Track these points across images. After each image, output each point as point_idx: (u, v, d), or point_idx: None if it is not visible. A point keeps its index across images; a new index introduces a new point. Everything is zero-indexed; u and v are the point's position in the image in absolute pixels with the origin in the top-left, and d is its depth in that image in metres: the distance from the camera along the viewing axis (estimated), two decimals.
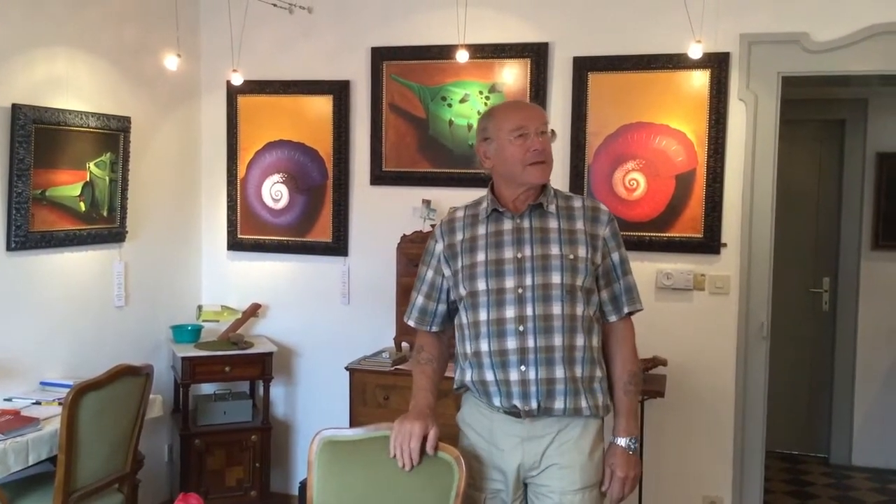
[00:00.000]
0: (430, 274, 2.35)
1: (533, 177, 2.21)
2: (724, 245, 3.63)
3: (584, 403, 2.17)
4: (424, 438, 2.16)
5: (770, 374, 3.69)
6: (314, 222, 4.23)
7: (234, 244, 4.36)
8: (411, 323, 2.40)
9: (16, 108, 3.27)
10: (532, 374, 2.14)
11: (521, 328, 2.15)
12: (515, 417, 2.20)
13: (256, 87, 4.22)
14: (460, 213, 2.34)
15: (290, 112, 4.24)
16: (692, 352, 3.66)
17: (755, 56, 3.57)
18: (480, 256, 2.23)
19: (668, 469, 3.72)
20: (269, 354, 4.02)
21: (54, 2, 3.47)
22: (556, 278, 2.15)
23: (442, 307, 2.34)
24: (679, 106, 3.64)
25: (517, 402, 2.16)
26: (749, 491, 3.68)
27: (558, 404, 2.16)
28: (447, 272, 2.30)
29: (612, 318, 2.27)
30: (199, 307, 4.28)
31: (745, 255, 3.62)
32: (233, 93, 4.29)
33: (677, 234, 3.65)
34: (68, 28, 3.54)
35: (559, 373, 2.14)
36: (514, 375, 2.15)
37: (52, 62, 3.48)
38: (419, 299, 2.37)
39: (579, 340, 2.15)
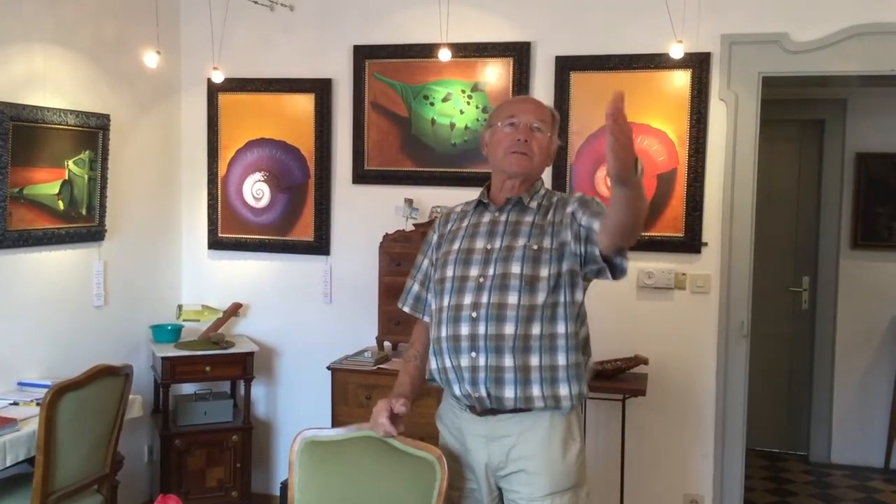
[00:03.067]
0: (424, 263, 2.42)
1: (510, 164, 2.25)
2: (705, 244, 3.65)
3: (535, 393, 2.14)
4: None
5: (750, 372, 3.72)
6: (296, 221, 4.21)
7: (215, 243, 4.33)
8: (406, 308, 2.45)
9: None
10: (481, 361, 2.14)
11: (474, 314, 2.16)
12: (476, 415, 2.21)
13: (237, 84, 4.19)
14: (458, 207, 2.42)
15: (272, 110, 4.22)
16: (673, 350, 3.68)
17: (736, 56, 3.59)
18: (455, 245, 2.29)
19: (648, 467, 3.74)
20: (251, 354, 4.00)
21: None
22: (515, 268, 2.16)
23: (432, 296, 2.35)
24: (660, 106, 3.66)
25: (469, 389, 2.17)
26: (730, 489, 3.71)
27: (507, 393, 2.14)
28: (433, 260, 2.36)
29: (597, 225, 2.11)
30: (180, 307, 4.24)
31: (725, 254, 3.64)
32: (213, 90, 4.26)
33: (658, 234, 3.66)
34: (45, 24, 3.50)
35: (508, 361, 2.13)
36: (465, 361, 2.17)
37: (29, 58, 3.43)
38: (414, 286, 2.43)
39: (535, 329, 2.13)
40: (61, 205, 3.59)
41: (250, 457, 3.99)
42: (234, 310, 4.18)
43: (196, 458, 3.86)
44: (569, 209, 2.20)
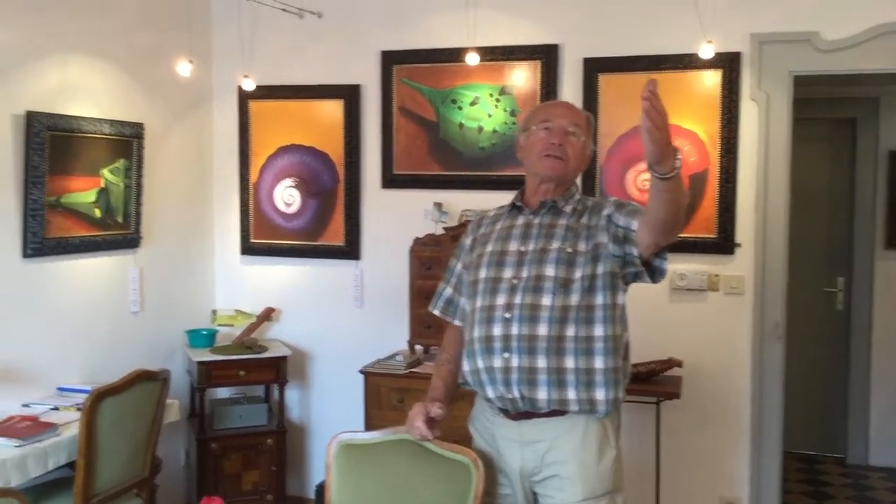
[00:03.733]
0: (457, 266, 2.43)
1: (544, 168, 2.26)
2: (738, 245, 3.62)
3: (570, 396, 2.13)
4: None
5: (785, 374, 3.68)
6: (326, 226, 4.24)
7: (247, 249, 4.38)
8: (436, 311, 2.47)
9: (30, 116, 3.29)
10: (514, 362, 2.14)
11: (507, 315, 2.16)
12: (510, 418, 2.20)
13: (267, 92, 4.23)
14: (492, 211, 2.43)
15: (301, 116, 4.26)
16: (707, 353, 3.65)
17: (766, 56, 3.56)
18: (489, 248, 2.30)
19: (684, 470, 3.71)
20: (284, 358, 4.03)
21: (67, 9, 3.49)
22: (549, 271, 2.16)
23: (465, 299, 2.36)
24: (690, 106, 3.64)
25: (502, 390, 2.16)
26: (766, 492, 3.67)
27: (541, 395, 2.13)
28: (466, 263, 2.37)
29: (635, 224, 2.10)
30: (214, 311, 4.30)
31: (759, 255, 3.61)
32: (244, 98, 4.31)
33: (691, 235, 3.64)
34: (80, 35, 3.56)
35: (541, 362, 2.13)
36: (498, 362, 2.16)
37: (64, 69, 3.50)
38: (446, 290, 2.45)
39: (570, 331, 2.12)
40: (98, 212, 3.65)
41: (285, 460, 4.02)
42: (267, 314, 4.22)
43: (232, 462, 3.90)
44: (605, 212, 2.20)
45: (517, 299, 2.17)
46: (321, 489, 3.65)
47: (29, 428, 2.92)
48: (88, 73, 3.62)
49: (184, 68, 3.70)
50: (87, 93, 3.60)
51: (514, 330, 2.15)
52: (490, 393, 2.21)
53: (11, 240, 3.28)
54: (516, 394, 2.16)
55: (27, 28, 3.28)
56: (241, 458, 3.91)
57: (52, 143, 3.38)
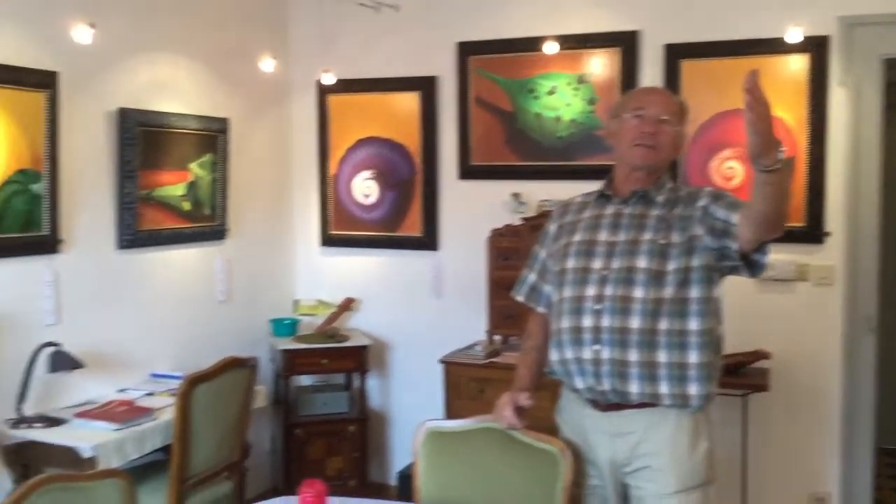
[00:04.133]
0: (542, 253, 2.42)
1: (635, 157, 2.22)
2: (828, 234, 3.51)
3: (663, 390, 2.10)
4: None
5: (877, 367, 3.56)
6: (404, 217, 4.29)
7: (327, 240, 4.46)
8: (520, 298, 2.46)
9: (123, 112, 3.42)
10: (605, 354, 2.12)
11: (597, 307, 2.14)
12: (599, 410, 2.19)
13: (345, 85, 4.29)
14: (578, 198, 2.40)
15: (379, 109, 4.31)
16: (796, 344, 3.55)
17: (855, 39, 3.44)
18: (576, 237, 2.27)
19: (772, 465, 3.63)
20: (365, 348, 4.10)
21: (156, 10, 3.61)
22: (641, 262, 2.13)
23: (550, 287, 2.36)
24: (776, 92, 3.53)
25: (592, 382, 2.15)
26: (858, 487, 3.56)
27: (632, 388, 2.11)
28: (551, 251, 2.36)
29: (735, 217, 2.05)
30: (296, 301, 4.40)
31: (850, 245, 3.50)
32: (323, 92, 4.38)
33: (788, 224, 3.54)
34: (168, 34, 3.68)
35: (633, 355, 2.10)
36: (587, 354, 2.15)
37: (154, 67, 3.62)
38: (531, 276, 2.44)
39: (662, 324, 2.09)
40: (187, 205, 3.77)
41: (367, 447, 4.10)
42: (347, 304, 4.29)
43: (316, 448, 3.99)
44: (700, 203, 2.15)
45: (607, 291, 2.14)
46: (404, 476, 3.71)
47: (126, 412, 3.05)
48: (176, 71, 3.74)
49: (267, 64, 3.79)
50: (174, 90, 3.72)
51: (605, 322, 2.13)
52: (579, 384, 2.20)
53: (107, 232, 3.42)
54: (606, 386, 2.14)
55: (119, 29, 3.41)
56: (324, 444, 4.00)
57: (143, 139, 3.50)
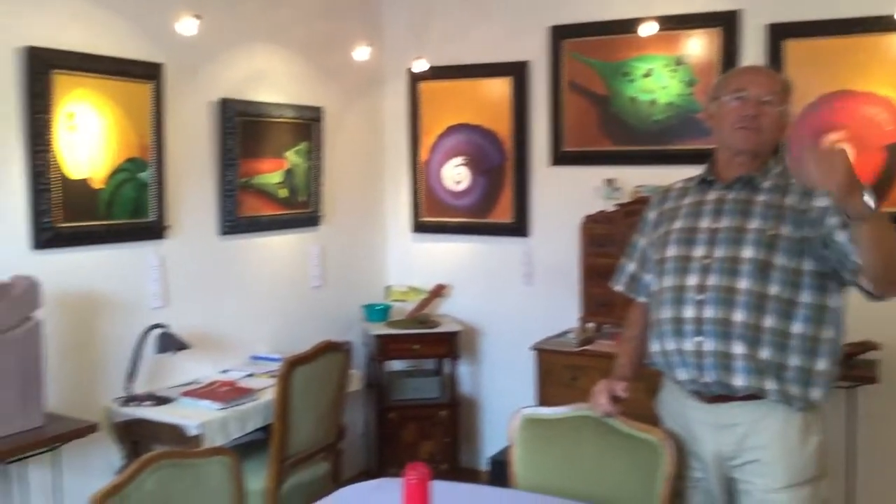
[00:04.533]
0: (641, 241, 2.36)
1: (736, 140, 2.13)
2: None
3: (768, 386, 2.02)
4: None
5: None
6: (495, 203, 4.28)
7: (418, 226, 4.49)
8: (620, 288, 2.42)
9: (224, 102, 3.52)
10: (707, 346, 2.05)
11: (699, 297, 2.07)
12: (703, 402, 2.12)
13: (436, 72, 4.30)
14: (678, 184, 2.33)
15: (470, 95, 4.31)
16: None
17: None
18: (677, 224, 2.20)
19: (881, 459, 3.47)
20: (456, 334, 4.12)
21: (254, 2, 3.69)
22: (746, 252, 2.04)
23: (650, 276, 2.31)
24: (886, 72, 3.37)
25: (694, 374, 2.09)
26: None
27: (737, 381, 2.04)
28: (651, 239, 2.30)
29: (854, 256, 1.93)
30: (388, 287, 4.45)
31: None
32: (414, 79, 4.41)
33: (891, 209, 3.37)
34: (264, 25, 3.76)
35: (737, 348, 2.02)
36: (688, 345, 2.09)
37: (252, 58, 3.71)
38: (630, 266, 2.39)
39: (767, 321, 2.01)
40: (283, 192, 3.86)
41: (458, 432, 4.12)
42: (439, 291, 4.32)
43: (408, 432, 4.05)
44: (818, 203, 2.02)
45: (710, 280, 2.07)
46: (496, 462, 3.72)
47: (230, 392, 3.15)
48: (272, 61, 3.82)
49: (361, 53, 3.83)
50: (271, 79, 3.81)
51: (708, 313, 2.06)
52: (681, 376, 2.15)
53: (209, 218, 3.54)
54: (710, 378, 2.08)
55: (220, 20, 3.50)
56: (416, 428, 4.05)
57: (242, 128, 3.60)
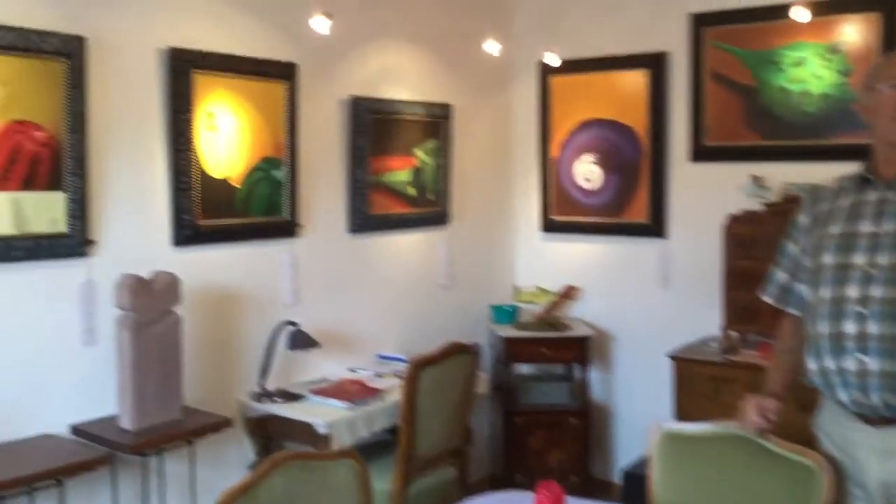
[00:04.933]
0: (791, 248, 2.16)
1: (895, 134, 1.93)
2: None
3: None
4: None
5: None
6: (629, 202, 4.09)
7: (548, 226, 4.37)
8: (769, 299, 2.23)
9: (355, 100, 3.53)
10: (872, 365, 1.86)
11: (861, 310, 1.87)
12: (869, 424, 1.92)
13: (568, 66, 4.16)
14: (832, 184, 2.12)
15: (603, 89, 4.14)
16: None
17: None
18: (834, 229, 2.00)
19: None
20: (587, 338, 3.97)
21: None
22: None
23: (804, 287, 2.11)
24: None
25: (857, 394, 1.89)
26: None
27: None
28: (804, 245, 2.10)
29: None
30: (516, 288, 4.35)
31: None
32: (545, 73, 4.29)
33: None
34: (395, 22, 3.75)
35: None
36: (850, 364, 1.89)
37: (383, 55, 3.70)
38: (779, 275, 2.19)
39: None
40: (412, 191, 3.83)
41: (589, 441, 3.97)
42: (569, 293, 4.17)
43: (535, 438, 3.92)
44: None
45: (875, 292, 1.87)
46: (630, 475, 3.55)
47: (358, 392, 3.14)
48: (402, 58, 3.80)
49: (492, 47, 3.75)
50: (401, 76, 3.78)
51: (872, 328, 1.87)
52: (842, 396, 1.95)
53: (340, 216, 3.55)
54: (875, 400, 1.88)
55: (351, 18, 3.49)
56: (544, 434, 3.92)
57: (373, 126, 3.59)
